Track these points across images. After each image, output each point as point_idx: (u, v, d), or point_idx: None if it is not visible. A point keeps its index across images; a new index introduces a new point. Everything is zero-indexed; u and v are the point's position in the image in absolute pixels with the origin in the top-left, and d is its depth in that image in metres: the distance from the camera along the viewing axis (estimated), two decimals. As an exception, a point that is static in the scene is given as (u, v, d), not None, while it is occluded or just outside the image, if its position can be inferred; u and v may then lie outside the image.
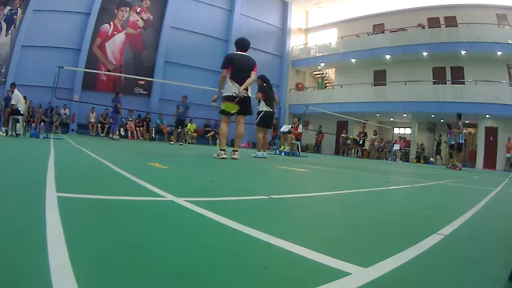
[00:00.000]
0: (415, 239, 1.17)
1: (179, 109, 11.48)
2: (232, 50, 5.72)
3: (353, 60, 19.93)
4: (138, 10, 17.05)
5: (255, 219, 1.33)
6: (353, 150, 18.00)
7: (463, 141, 11.23)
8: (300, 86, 23.17)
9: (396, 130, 20.80)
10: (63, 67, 9.48)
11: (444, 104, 15.76)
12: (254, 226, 1.14)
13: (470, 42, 15.63)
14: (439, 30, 17.08)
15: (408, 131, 20.41)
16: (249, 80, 5.22)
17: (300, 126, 10.78)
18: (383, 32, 19.39)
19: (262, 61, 15.35)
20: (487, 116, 15.91)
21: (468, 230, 1.51)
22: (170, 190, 1.74)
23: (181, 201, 1.51)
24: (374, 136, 18.66)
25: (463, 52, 16.14)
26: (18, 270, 0.66)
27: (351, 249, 1.06)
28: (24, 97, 9.26)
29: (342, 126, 20.31)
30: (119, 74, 15.92)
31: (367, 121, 18.24)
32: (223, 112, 5.23)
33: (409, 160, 17.79)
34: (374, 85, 19.55)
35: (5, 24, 15.56)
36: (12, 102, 8.45)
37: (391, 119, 20.56)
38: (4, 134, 8.27)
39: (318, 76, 24.71)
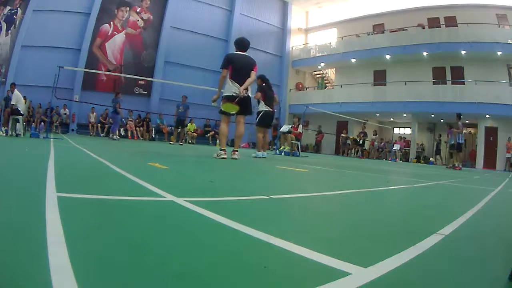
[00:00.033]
0: (415, 239, 1.17)
1: (179, 109, 11.48)
2: (232, 50, 5.71)
3: (353, 60, 19.92)
4: (138, 10, 17.05)
5: (255, 219, 1.33)
6: (353, 150, 17.98)
7: (463, 141, 11.23)
8: (300, 86, 23.16)
9: (396, 130, 20.79)
10: (63, 67, 9.48)
11: (444, 104, 15.76)
12: (254, 226, 1.14)
13: (470, 42, 15.63)
14: (439, 30, 17.07)
15: (408, 131, 20.41)
16: (249, 80, 5.21)
17: (300, 126, 10.78)
18: (383, 32, 19.38)
19: (262, 61, 15.35)
20: (487, 116, 15.91)
21: (468, 230, 1.51)
22: (170, 190, 1.74)
23: (181, 201, 1.51)
24: (374, 136, 18.65)
25: (463, 52, 16.13)
26: (18, 270, 0.66)
27: (351, 249, 1.06)
28: (24, 97, 9.26)
29: (342, 126, 20.30)
30: (119, 74, 15.91)
31: (367, 121, 18.23)
32: (223, 112, 5.23)
33: (409, 160, 17.78)
34: (374, 85, 19.54)
35: (5, 24, 15.55)
36: (12, 102, 8.45)
37: (391, 119, 20.55)
38: (4, 134, 8.27)
39: (318, 76, 24.70)
